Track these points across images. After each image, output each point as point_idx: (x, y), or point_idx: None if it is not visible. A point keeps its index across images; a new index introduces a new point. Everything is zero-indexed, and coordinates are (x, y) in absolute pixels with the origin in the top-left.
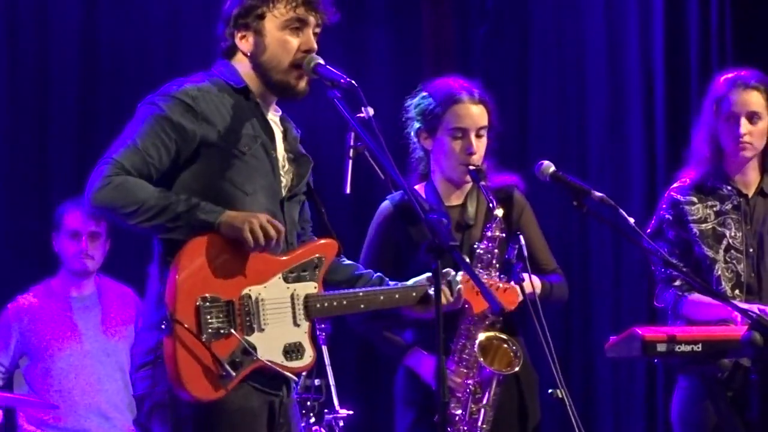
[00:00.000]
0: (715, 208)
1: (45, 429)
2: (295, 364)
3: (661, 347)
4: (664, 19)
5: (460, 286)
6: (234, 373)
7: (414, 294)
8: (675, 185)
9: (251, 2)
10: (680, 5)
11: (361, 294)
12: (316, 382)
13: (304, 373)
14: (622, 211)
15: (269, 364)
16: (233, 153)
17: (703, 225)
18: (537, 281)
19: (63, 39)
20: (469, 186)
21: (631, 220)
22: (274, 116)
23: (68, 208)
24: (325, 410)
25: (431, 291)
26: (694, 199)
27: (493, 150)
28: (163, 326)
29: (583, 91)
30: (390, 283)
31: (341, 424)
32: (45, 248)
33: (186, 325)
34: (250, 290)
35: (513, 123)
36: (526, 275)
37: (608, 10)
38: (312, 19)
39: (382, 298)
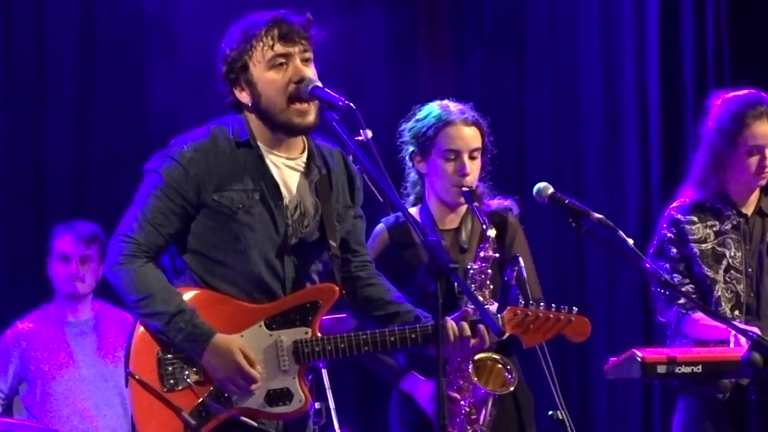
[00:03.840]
0: (714, 228)
1: None
2: (279, 409)
3: (661, 369)
4: (659, 41)
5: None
6: (194, 423)
7: (430, 332)
8: (675, 204)
9: (232, 56)
10: (676, 27)
11: (364, 336)
12: (316, 405)
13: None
14: (620, 232)
15: (240, 413)
16: (225, 212)
17: (703, 245)
18: None
19: (60, 60)
20: (463, 210)
21: (630, 241)
22: (289, 160)
23: (58, 233)
24: None
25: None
26: (695, 219)
27: (488, 173)
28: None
29: (579, 114)
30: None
31: None
32: (42, 275)
33: (141, 378)
34: None
35: (509, 146)
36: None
37: (604, 33)
38: (293, 50)
39: (392, 338)
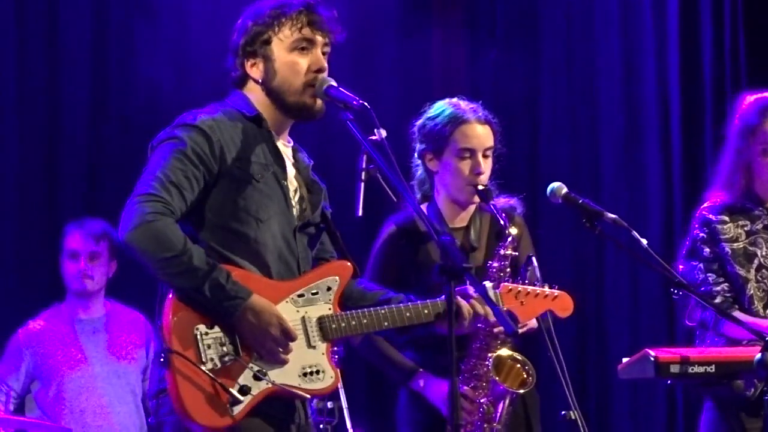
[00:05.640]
0: (746, 228)
1: None
2: (314, 386)
3: (675, 368)
4: (679, 42)
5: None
6: (242, 398)
7: (443, 307)
8: (706, 205)
9: (256, 29)
10: (695, 29)
11: (383, 311)
12: (329, 405)
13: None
14: (634, 232)
15: (283, 387)
16: (247, 180)
17: (735, 244)
18: None
19: (73, 67)
20: (472, 208)
21: (644, 242)
22: (285, 147)
23: (69, 230)
24: None
25: (461, 303)
26: (726, 218)
27: (494, 172)
28: (162, 359)
29: (596, 115)
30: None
31: None
32: (54, 274)
33: (184, 356)
34: None
35: (523, 147)
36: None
37: (623, 34)
38: (319, 38)
39: (408, 314)
